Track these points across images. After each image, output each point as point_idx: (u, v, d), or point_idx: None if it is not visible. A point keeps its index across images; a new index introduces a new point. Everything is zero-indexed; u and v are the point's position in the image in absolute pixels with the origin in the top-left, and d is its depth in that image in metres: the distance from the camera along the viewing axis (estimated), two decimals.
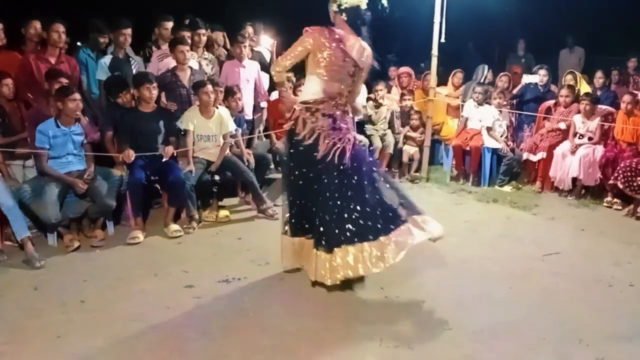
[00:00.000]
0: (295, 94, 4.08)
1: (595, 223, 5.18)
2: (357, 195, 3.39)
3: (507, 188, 6.30)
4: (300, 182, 3.55)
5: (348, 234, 3.35)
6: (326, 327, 3.14)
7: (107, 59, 5.22)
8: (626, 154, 5.67)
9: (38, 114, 4.41)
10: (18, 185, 4.33)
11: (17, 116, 4.59)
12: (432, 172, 6.84)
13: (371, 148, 6.57)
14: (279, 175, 3.88)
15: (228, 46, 6.31)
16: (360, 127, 6.81)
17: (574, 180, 5.96)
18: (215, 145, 5.02)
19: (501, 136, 6.57)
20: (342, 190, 3.39)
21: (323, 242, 3.41)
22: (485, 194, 6.09)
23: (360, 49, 3.55)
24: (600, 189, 5.88)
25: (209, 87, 4.88)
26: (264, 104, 6.27)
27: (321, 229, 3.42)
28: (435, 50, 6.35)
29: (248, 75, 5.83)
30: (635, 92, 6.30)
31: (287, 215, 3.71)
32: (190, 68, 5.25)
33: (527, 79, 7.07)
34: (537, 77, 6.99)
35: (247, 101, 5.78)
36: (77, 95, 4.29)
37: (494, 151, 6.45)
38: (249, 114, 5.86)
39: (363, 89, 7.14)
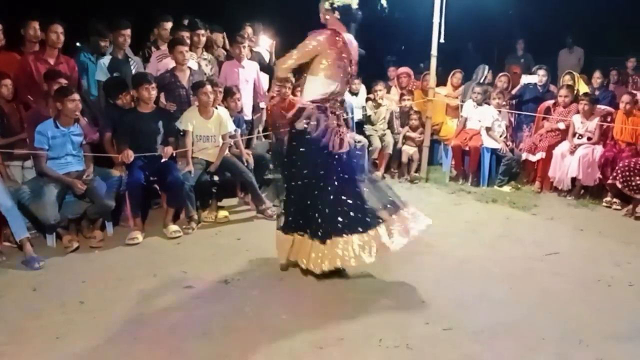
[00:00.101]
0: (294, 94, 4.11)
1: (594, 223, 5.18)
2: (349, 189, 3.59)
3: (506, 188, 6.30)
4: (305, 180, 3.61)
5: (340, 225, 3.51)
6: (326, 327, 3.14)
7: (106, 60, 5.22)
8: (625, 154, 5.67)
9: (37, 114, 4.41)
10: (17, 186, 4.32)
11: (16, 117, 4.59)
12: (432, 173, 6.84)
13: (370, 148, 6.59)
14: (279, 175, 3.89)
15: (227, 47, 6.31)
16: (359, 127, 6.83)
17: (573, 180, 5.96)
18: (214, 146, 5.02)
19: (500, 136, 6.57)
20: (339, 184, 3.57)
21: (319, 233, 3.55)
22: (485, 194, 6.09)
23: (355, 45, 3.69)
24: (599, 189, 5.88)
25: (208, 87, 4.88)
26: (263, 105, 6.27)
27: (319, 220, 3.55)
28: (434, 51, 6.35)
29: (247, 76, 5.82)
30: (634, 92, 6.31)
31: (283, 212, 3.73)
32: (190, 68, 5.25)
33: (525, 79, 7.08)
34: (536, 78, 6.99)
35: (246, 102, 5.78)
36: (76, 96, 4.28)
37: (493, 151, 6.46)
38: (248, 115, 5.85)
39: (362, 88, 7.17)
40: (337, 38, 3.56)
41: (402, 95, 7.27)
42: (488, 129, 6.51)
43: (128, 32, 5.27)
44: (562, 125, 6.32)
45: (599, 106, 6.23)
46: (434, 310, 3.37)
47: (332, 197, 3.54)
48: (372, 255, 3.50)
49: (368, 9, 3.66)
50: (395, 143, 6.77)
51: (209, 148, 5.01)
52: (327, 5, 3.62)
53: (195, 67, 5.40)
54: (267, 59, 6.42)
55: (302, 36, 3.67)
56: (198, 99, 4.91)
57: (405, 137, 6.87)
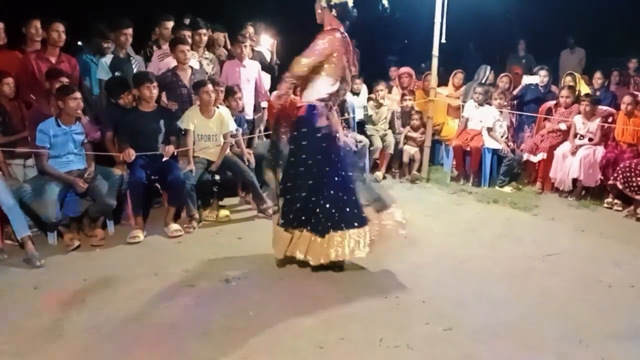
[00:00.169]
0: (294, 94, 4.13)
1: (595, 224, 5.18)
2: (347, 186, 3.70)
3: (507, 189, 6.30)
4: (311, 176, 3.67)
5: (338, 220, 3.64)
6: (326, 327, 3.14)
7: (107, 59, 5.22)
8: (627, 155, 5.66)
9: (39, 113, 4.41)
10: (18, 184, 4.33)
11: (18, 115, 4.59)
12: (433, 173, 6.84)
13: (371, 148, 6.59)
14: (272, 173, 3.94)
15: (228, 46, 6.31)
16: (360, 127, 6.84)
17: (575, 181, 5.96)
18: (215, 145, 5.02)
19: (502, 137, 6.57)
20: (339, 180, 3.68)
21: (319, 228, 3.65)
22: (486, 194, 6.09)
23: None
24: (600, 190, 5.88)
25: (209, 86, 4.89)
26: (264, 104, 6.27)
27: (320, 215, 3.65)
28: (435, 51, 6.35)
29: (249, 75, 5.83)
30: (636, 92, 6.30)
31: (285, 208, 3.74)
32: (191, 68, 5.25)
33: (527, 80, 7.07)
34: (537, 78, 6.98)
35: (247, 101, 5.79)
36: (78, 94, 4.29)
37: (495, 152, 6.45)
38: (249, 114, 5.86)
39: (364, 88, 7.18)
40: (345, 38, 3.65)
41: (403, 95, 7.28)
42: (489, 130, 6.51)
43: (130, 31, 5.27)
44: (563, 126, 6.31)
45: (600, 107, 6.22)
46: (435, 310, 3.37)
47: (332, 192, 3.65)
48: (365, 250, 3.65)
49: (370, 9, 3.66)
50: (397, 143, 6.77)
51: (210, 147, 5.02)
52: (323, 2, 3.66)
53: (196, 66, 5.41)
54: (268, 59, 6.42)
55: (303, 35, 3.68)
56: (199, 98, 4.92)
57: (407, 137, 6.87)
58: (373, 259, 4.07)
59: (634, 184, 5.32)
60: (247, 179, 5.07)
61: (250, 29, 6.43)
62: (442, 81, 7.35)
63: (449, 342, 3.02)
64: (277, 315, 3.27)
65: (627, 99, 5.83)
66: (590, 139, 6.02)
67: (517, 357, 2.93)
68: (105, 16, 5.72)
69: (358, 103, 6.91)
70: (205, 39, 5.72)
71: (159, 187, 4.93)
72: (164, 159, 4.70)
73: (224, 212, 5.08)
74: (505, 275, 3.94)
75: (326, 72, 3.62)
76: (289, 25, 4.00)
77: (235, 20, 6.61)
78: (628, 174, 5.36)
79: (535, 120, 6.81)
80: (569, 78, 6.87)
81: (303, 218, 3.69)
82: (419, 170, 6.74)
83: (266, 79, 6.21)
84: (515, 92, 7.10)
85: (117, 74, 5.13)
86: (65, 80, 4.46)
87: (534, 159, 6.35)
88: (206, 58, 5.76)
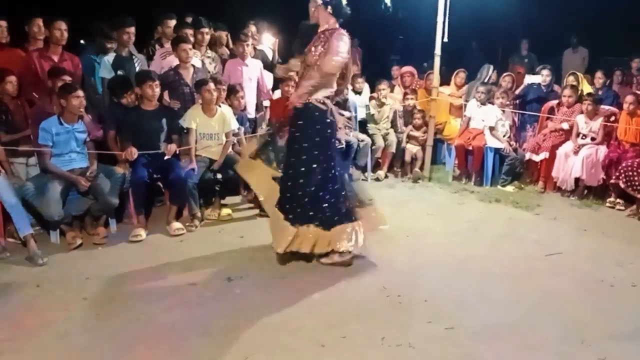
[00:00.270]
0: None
1: (597, 223, 5.17)
2: (344, 181, 3.92)
3: (509, 188, 6.30)
4: (320, 171, 3.78)
5: (343, 214, 3.84)
6: (328, 326, 3.15)
7: (110, 57, 5.23)
8: (629, 154, 5.65)
9: (41, 111, 4.42)
10: (21, 182, 4.33)
11: (21, 114, 4.60)
12: (435, 172, 6.83)
13: (373, 147, 6.59)
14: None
15: (230, 45, 6.32)
16: (362, 126, 6.84)
17: (577, 180, 5.95)
18: (217, 144, 5.03)
19: (504, 136, 6.56)
20: (339, 175, 3.86)
21: (326, 222, 3.79)
22: (488, 193, 6.09)
23: None
24: (603, 190, 5.87)
25: (211, 85, 4.89)
26: (266, 103, 6.27)
27: (327, 210, 3.79)
28: (438, 50, 6.34)
29: (251, 74, 5.84)
30: (638, 92, 6.28)
31: (294, 204, 3.78)
32: (193, 66, 5.25)
33: (529, 79, 7.06)
34: (540, 78, 6.97)
35: (249, 100, 5.79)
36: (80, 93, 4.29)
37: (497, 151, 6.45)
38: (251, 113, 5.86)
39: (366, 87, 7.18)
40: (351, 39, 3.76)
41: (405, 94, 7.28)
42: (491, 129, 6.50)
43: (132, 30, 5.27)
44: (565, 126, 6.30)
45: (602, 106, 6.21)
46: (436, 309, 3.37)
47: (337, 187, 3.82)
48: (361, 242, 3.85)
49: (372, 8, 3.70)
50: (399, 142, 6.77)
51: (212, 146, 5.02)
52: (319, 0, 3.70)
53: (199, 65, 5.41)
54: (270, 57, 6.42)
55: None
56: (201, 96, 4.92)
57: (409, 136, 6.87)
58: (374, 258, 4.10)
59: (637, 183, 5.31)
60: None
61: (253, 28, 6.43)
62: (445, 80, 7.34)
63: (451, 342, 3.02)
64: (279, 314, 3.28)
65: (629, 98, 5.81)
66: (593, 139, 6.01)
67: (518, 357, 2.92)
68: (108, 15, 5.73)
69: (360, 102, 6.91)
70: (207, 37, 5.73)
71: (161, 185, 4.94)
72: (166, 158, 4.70)
73: (225, 211, 5.08)
74: (506, 274, 3.93)
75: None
76: (291, 23, 4.01)
77: (237, 19, 6.61)
78: (630, 173, 5.35)
79: (537, 120, 6.80)
80: (571, 77, 6.86)
81: (311, 213, 3.78)
82: (420, 168, 6.74)
83: (268, 78, 6.21)
84: (517, 92, 7.09)
85: (119, 72, 5.13)
86: (67, 78, 4.47)
87: (536, 158, 6.34)
88: (208, 57, 5.77)
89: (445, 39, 6.22)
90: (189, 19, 5.93)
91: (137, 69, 5.25)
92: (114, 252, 4.23)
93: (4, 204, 4.01)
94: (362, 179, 6.59)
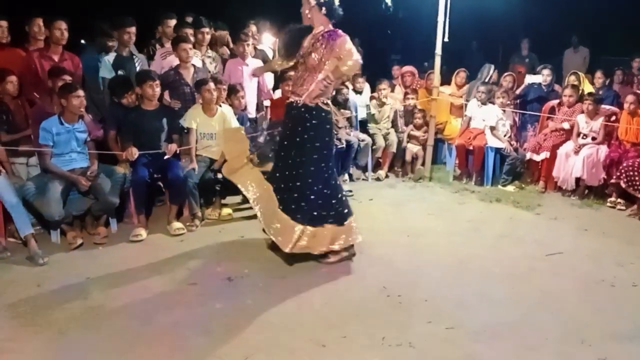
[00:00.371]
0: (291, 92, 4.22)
1: (598, 223, 5.17)
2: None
3: (510, 188, 6.30)
4: (329, 170, 3.93)
5: (349, 208, 4.04)
6: (328, 326, 3.15)
7: (110, 57, 5.23)
8: (631, 154, 5.64)
9: (42, 111, 4.42)
10: (22, 182, 4.33)
11: (21, 114, 4.60)
12: (435, 172, 6.83)
13: (374, 147, 6.59)
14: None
15: (230, 44, 6.31)
16: (363, 125, 6.83)
17: (577, 180, 5.95)
18: (218, 144, 5.02)
19: (504, 136, 6.56)
20: (336, 172, 4.08)
21: (340, 218, 3.94)
22: (488, 193, 6.08)
23: None
24: (603, 189, 5.87)
25: (211, 84, 4.89)
26: (267, 102, 6.27)
27: (337, 206, 3.94)
28: (438, 50, 6.34)
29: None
30: (639, 92, 6.28)
31: (302, 203, 3.83)
32: (194, 66, 5.25)
33: (530, 79, 7.05)
34: (540, 77, 6.97)
35: (250, 99, 5.79)
36: (81, 92, 4.30)
37: (497, 151, 6.44)
38: (252, 112, 5.86)
39: (366, 87, 7.18)
40: None
41: (406, 94, 7.27)
42: (492, 129, 6.50)
43: (133, 29, 5.28)
44: (566, 125, 6.30)
45: (603, 106, 6.20)
46: (436, 309, 3.37)
47: (339, 183, 4.02)
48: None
49: (373, 8, 3.72)
50: (400, 142, 6.77)
51: (212, 146, 5.02)
52: (313, 1, 3.73)
53: (199, 64, 5.41)
54: (270, 57, 6.42)
55: None
56: (201, 96, 4.92)
57: (409, 136, 6.87)
58: (375, 258, 4.10)
59: (638, 183, 5.31)
60: None
61: (253, 28, 6.43)
62: (445, 80, 7.34)
63: (451, 342, 3.02)
64: (279, 314, 3.28)
65: (630, 98, 5.81)
66: (594, 138, 6.01)
67: (518, 357, 2.92)
68: (108, 14, 5.73)
69: (361, 102, 6.90)
70: (208, 37, 5.72)
71: (161, 185, 4.94)
72: (166, 157, 4.70)
73: (226, 211, 5.08)
74: (507, 274, 3.93)
75: (329, 70, 3.73)
76: (291, 23, 4.02)
77: (237, 19, 6.61)
78: (631, 173, 5.35)
79: (538, 120, 6.80)
80: (573, 77, 6.85)
81: (324, 213, 3.87)
82: (422, 165, 6.72)
83: (269, 78, 6.21)
84: (518, 91, 7.09)
85: (120, 72, 5.13)
86: (67, 78, 4.47)
87: (537, 158, 6.34)
88: (209, 56, 5.76)
89: (446, 39, 6.22)
90: (190, 19, 5.93)
91: (138, 68, 5.25)
92: (114, 251, 4.23)
93: (4, 204, 4.02)
94: (363, 179, 6.60)
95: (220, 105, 5.07)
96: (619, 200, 5.64)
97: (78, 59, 5.10)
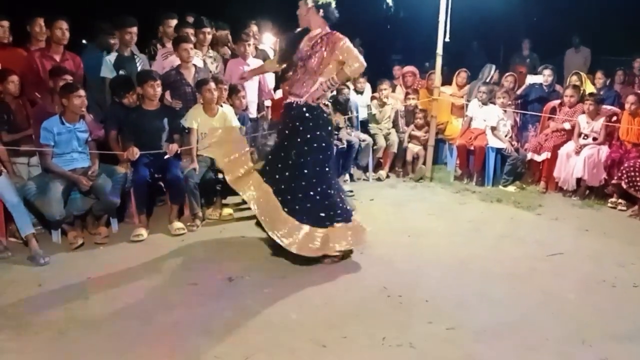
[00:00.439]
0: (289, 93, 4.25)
1: (599, 224, 5.16)
2: None
3: (511, 188, 6.29)
4: (330, 170, 3.99)
5: (349, 207, 4.13)
6: (329, 326, 3.15)
7: (112, 57, 5.23)
8: (632, 154, 5.64)
9: (43, 111, 4.43)
10: (23, 182, 4.34)
11: (22, 113, 4.60)
12: (436, 172, 6.83)
13: (375, 147, 6.59)
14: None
15: (232, 44, 6.31)
16: (364, 126, 6.83)
17: (579, 180, 5.94)
18: (209, 142, 4.99)
19: (505, 136, 6.55)
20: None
21: (346, 216, 3.99)
22: (489, 193, 6.08)
23: None
24: (604, 190, 5.85)
25: (212, 84, 4.89)
26: (268, 102, 6.27)
27: (341, 205, 3.99)
28: (439, 50, 6.34)
29: None
30: None
31: (308, 204, 3.85)
32: (195, 66, 5.25)
33: (531, 79, 7.04)
34: (541, 78, 6.96)
35: (251, 99, 5.79)
36: (82, 92, 4.30)
37: (498, 151, 6.44)
38: (253, 113, 5.86)
39: (367, 87, 7.17)
40: None
41: (407, 94, 7.27)
42: (493, 129, 6.50)
43: (134, 29, 5.28)
44: (567, 126, 6.29)
45: (604, 106, 6.20)
46: (437, 309, 3.37)
47: (339, 183, 4.14)
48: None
49: (373, 8, 3.75)
50: (400, 142, 6.77)
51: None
52: (310, 3, 3.75)
53: (200, 64, 5.41)
54: (271, 57, 6.41)
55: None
56: (202, 96, 4.92)
57: (411, 136, 6.86)
58: (375, 258, 4.10)
59: (639, 184, 5.30)
60: None
61: (254, 27, 6.43)
62: (446, 80, 7.34)
63: (452, 342, 3.02)
64: (279, 314, 3.28)
65: (631, 98, 5.80)
66: (595, 139, 6.00)
67: (519, 357, 2.92)
68: (109, 14, 5.74)
69: (362, 102, 6.90)
70: (209, 37, 5.72)
71: (162, 185, 4.94)
72: (166, 157, 4.70)
73: (227, 211, 5.08)
74: (508, 275, 3.93)
75: (330, 74, 3.80)
76: (292, 23, 4.02)
77: (238, 19, 6.61)
78: (633, 174, 5.35)
79: (539, 120, 6.79)
80: (575, 77, 6.83)
81: (331, 213, 3.90)
82: (423, 163, 6.72)
83: (270, 78, 6.21)
84: (519, 92, 7.08)
85: (121, 72, 5.13)
86: (68, 78, 4.47)
87: (538, 158, 6.34)
88: (210, 56, 5.76)
89: (447, 39, 6.22)
90: (191, 19, 5.93)
91: (139, 68, 5.25)
92: (115, 251, 4.24)
93: (5, 204, 4.03)
94: (364, 179, 6.60)
95: (222, 105, 5.07)
96: (620, 200, 5.63)
97: (79, 58, 5.10)
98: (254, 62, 5.85)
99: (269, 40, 6.63)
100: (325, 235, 3.86)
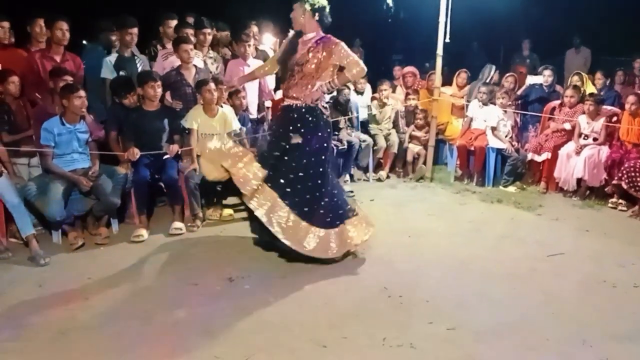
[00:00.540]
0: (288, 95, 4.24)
1: (599, 224, 5.16)
2: None
3: (511, 188, 6.29)
4: (329, 169, 4.01)
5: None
6: (329, 326, 3.15)
7: (112, 57, 5.23)
8: (632, 155, 5.63)
9: (43, 111, 4.43)
10: (23, 182, 4.34)
11: (23, 114, 4.61)
12: (437, 172, 6.83)
13: (375, 147, 6.59)
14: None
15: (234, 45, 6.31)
16: (364, 126, 6.84)
17: (579, 181, 5.94)
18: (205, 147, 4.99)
19: (506, 136, 6.55)
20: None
21: (350, 215, 4.05)
22: (490, 194, 6.08)
23: None
24: (604, 190, 5.85)
25: (212, 85, 4.88)
26: (268, 103, 6.27)
27: (343, 205, 4.05)
28: (440, 50, 6.34)
29: None
30: None
31: (315, 206, 3.88)
32: (195, 67, 5.25)
33: (531, 79, 7.04)
34: (542, 78, 6.96)
35: (251, 100, 5.79)
36: (82, 93, 4.30)
37: (499, 151, 6.44)
38: (253, 113, 5.86)
39: (367, 88, 7.18)
40: None
41: (407, 94, 7.27)
42: (493, 129, 6.49)
43: (135, 30, 5.28)
44: (568, 126, 6.29)
45: (604, 107, 6.19)
46: (438, 309, 3.37)
47: (338, 181, 4.24)
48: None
49: (374, 8, 3.76)
50: (401, 142, 6.77)
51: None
52: (307, 6, 3.77)
53: (201, 65, 5.41)
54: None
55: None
56: (202, 96, 4.92)
57: (411, 136, 6.86)
58: (375, 258, 4.10)
59: (639, 184, 5.30)
60: None
61: (254, 28, 6.42)
62: (446, 81, 7.34)
63: (452, 342, 3.02)
64: (279, 314, 3.28)
65: (631, 98, 5.80)
66: (595, 139, 6.00)
67: (519, 357, 2.92)
68: (109, 15, 5.74)
69: (362, 102, 6.90)
70: (209, 38, 5.72)
71: (162, 186, 4.94)
72: (165, 157, 4.70)
73: (227, 211, 5.08)
74: (508, 275, 3.93)
75: (328, 77, 3.83)
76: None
77: (238, 19, 6.62)
78: (633, 174, 5.34)
79: (539, 120, 6.79)
80: (576, 77, 6.82)
81: (340, 212, 3.97)
82: (424, 163, 6.72)
83: (270, 78, 6.20)
84: (519, 92, 7.08)
85: (121, 73, 5.14)
86: (69, 78, 4.48)
87: (538, 158, 6.34)
88: (210, 57, 5.76)
89: (447, 39, 6.22)
90: (191, 20, 5.93)
91: (139, 69, 5.25)
92: (115, 252, 4.24)
93: (6, 204, 4.03)
94: (364, 180, 6.60)
95: (222, 106, 5.07)
96: (620, 201, 5.63)
97: (80, 59, 5.11)
98: (254, 63, 5.84)
99: (269, 40, 6.63)
100: (339, 234, 3.93)
